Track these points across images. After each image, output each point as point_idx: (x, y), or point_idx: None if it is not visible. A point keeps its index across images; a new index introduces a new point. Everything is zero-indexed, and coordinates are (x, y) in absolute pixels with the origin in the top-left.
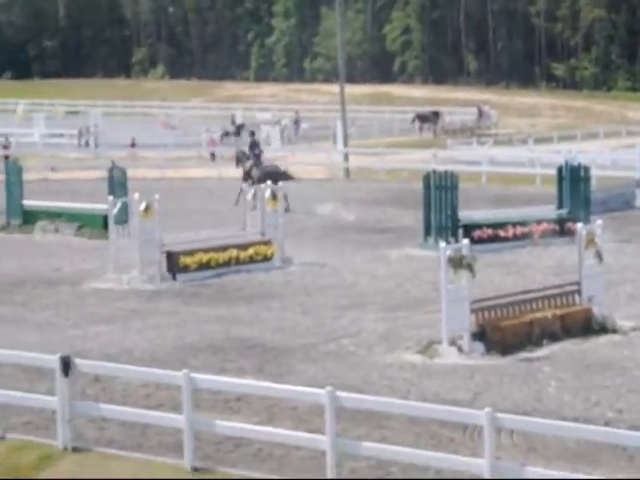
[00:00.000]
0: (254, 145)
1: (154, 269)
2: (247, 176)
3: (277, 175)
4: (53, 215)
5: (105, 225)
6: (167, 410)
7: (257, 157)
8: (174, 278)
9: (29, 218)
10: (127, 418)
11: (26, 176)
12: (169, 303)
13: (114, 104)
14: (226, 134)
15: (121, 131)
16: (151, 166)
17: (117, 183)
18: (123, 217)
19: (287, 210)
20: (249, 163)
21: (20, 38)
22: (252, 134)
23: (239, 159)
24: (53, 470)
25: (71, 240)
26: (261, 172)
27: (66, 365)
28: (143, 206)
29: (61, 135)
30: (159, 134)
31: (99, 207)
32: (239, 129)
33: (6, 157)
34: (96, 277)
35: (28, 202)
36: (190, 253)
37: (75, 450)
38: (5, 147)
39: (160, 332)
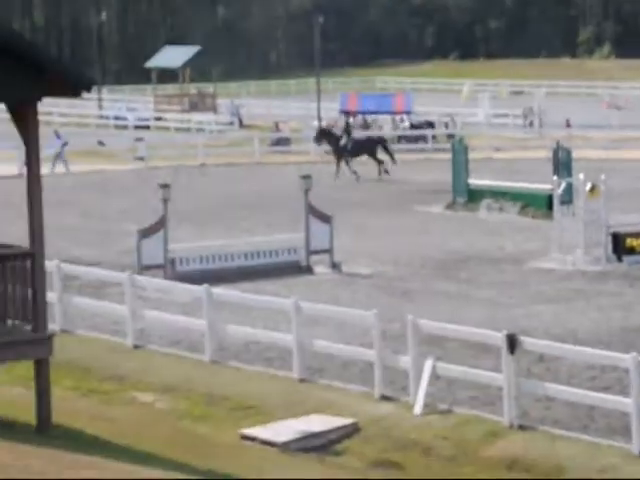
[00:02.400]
0: (348, 126)
1: (599, 250)
2: (342, 151)
3: (372, 143)
4: (497, 194)
5: (549, 205)
6: (614, 393)
7: (349, 135)
8: (619, 260)
9: (474, 196)
10: (573, 399)
11: (471, 155)
12: (614, 285)
13: (557, 84)
14: None
15: (564, 111)
16: (595, 147)
17: (562, 163)
18: (567, 197)
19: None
20: (344, 139)
21: (467, 19)
22: (347, 121)
23: (322, 136)
24: (499, 446)
25: (514, 219)
26: (354, 143)
27: (512, 343)
28: (589, 187)
29: (505, 115)
30: (603, 114)
31: (543, 187)
32: None
33: (449, 136)
34: (539, 257)
35: (473, 181)
36: (637, 235)
37: (521, 428)
38: (446, 126)
39: (604, 314)
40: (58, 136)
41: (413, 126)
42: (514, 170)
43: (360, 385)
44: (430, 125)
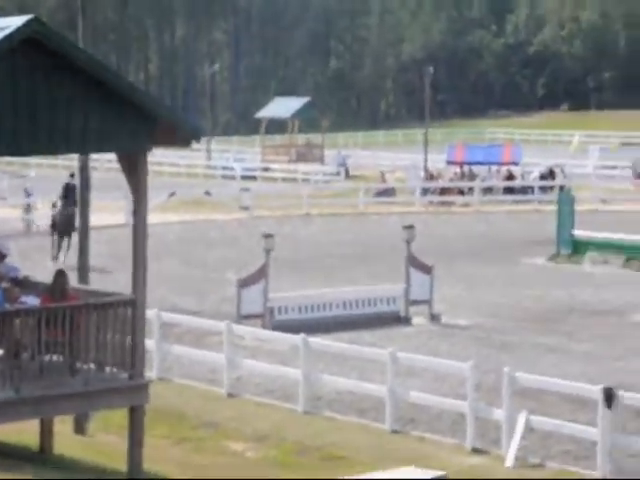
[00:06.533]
0: (70, 189)
1: None
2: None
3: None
4: (602, 246)
5: None
6: None
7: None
8: None
9: (578, 248)
10: None
11: (577, 207)
12: None
13: None
14: None
15: None
16: None
17: None
18: None
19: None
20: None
21: (579, 69)
22: (72, 176)
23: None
24: None
25: (619, 272)
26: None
27: (609, 397)
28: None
29: (614, 167)
30: None
31: None
32: None
33: (560, 187)
34: None
35: (579, 232)
36: None
37: None
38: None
39: None
40: (28, 194)
41: (542, 177)
42: (621, 222)
43: (452, 437)
44: (552, 175)
